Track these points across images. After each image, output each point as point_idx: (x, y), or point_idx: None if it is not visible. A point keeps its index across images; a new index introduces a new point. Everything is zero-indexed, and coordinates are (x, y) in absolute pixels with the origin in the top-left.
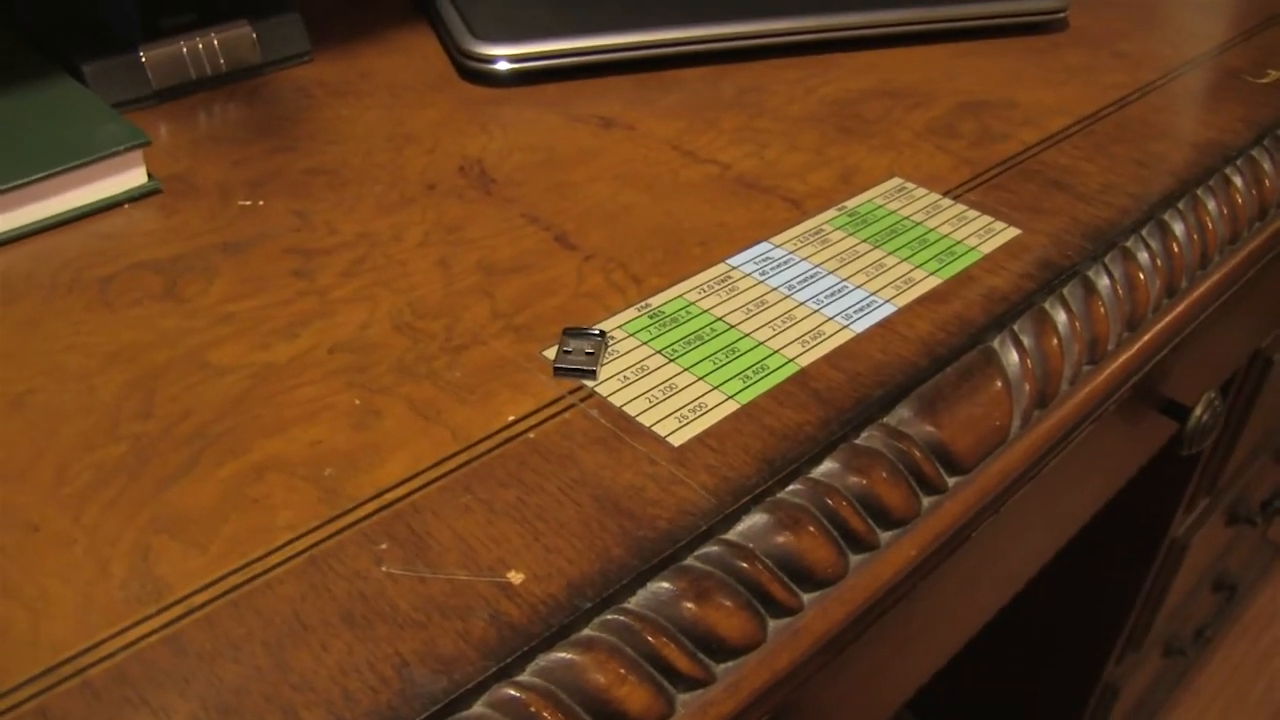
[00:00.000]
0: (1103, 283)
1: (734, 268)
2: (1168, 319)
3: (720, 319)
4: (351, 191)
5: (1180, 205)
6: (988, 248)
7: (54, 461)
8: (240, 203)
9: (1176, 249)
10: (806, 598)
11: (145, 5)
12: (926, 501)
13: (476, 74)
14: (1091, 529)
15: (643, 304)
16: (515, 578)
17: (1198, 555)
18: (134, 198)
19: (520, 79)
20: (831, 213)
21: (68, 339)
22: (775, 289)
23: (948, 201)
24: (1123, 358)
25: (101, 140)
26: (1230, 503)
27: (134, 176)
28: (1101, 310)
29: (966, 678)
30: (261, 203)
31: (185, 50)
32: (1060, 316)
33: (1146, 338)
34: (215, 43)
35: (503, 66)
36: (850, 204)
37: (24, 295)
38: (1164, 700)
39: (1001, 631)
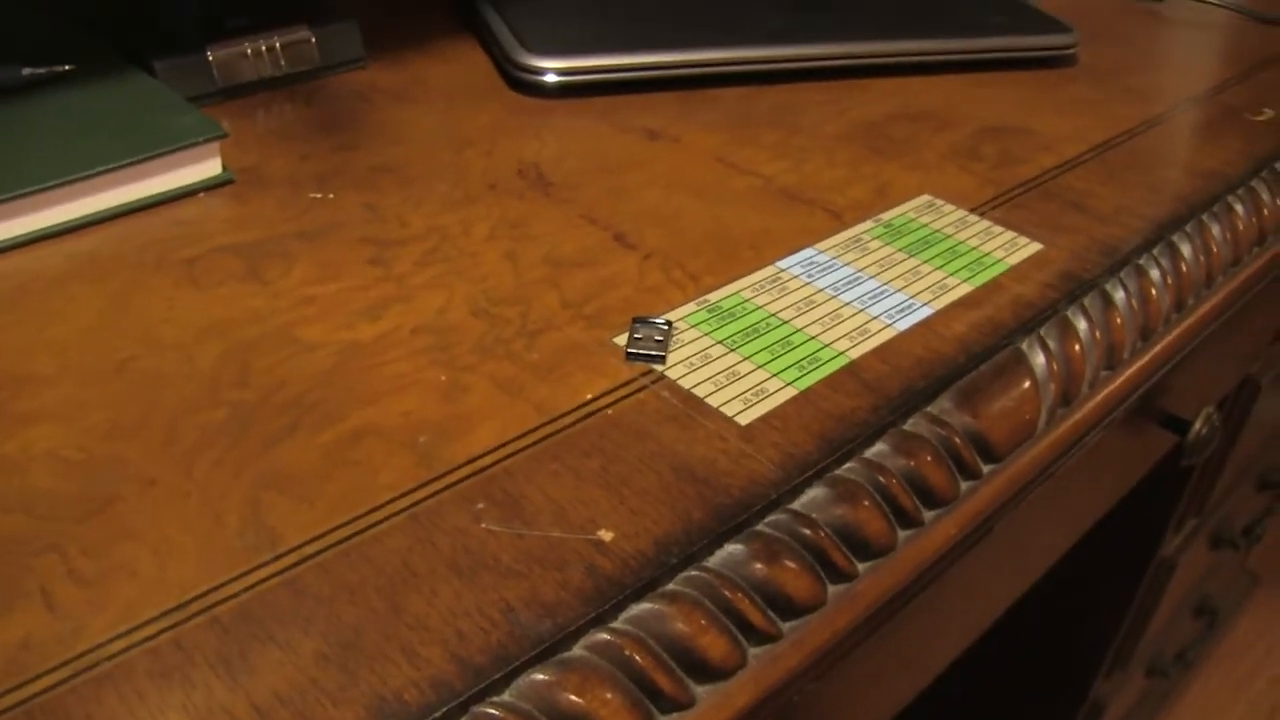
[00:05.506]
0: (1119, 295)
1: (783, 269)
2: (1176, 331)
3: (774, 315)
4: (417, 188)
5: (1188, 228)
6: (1014, 260)
7: (162, 422)
8: (311, 195)
9: (1184, 268)
10: (861, 566)
11: (210, 8)
12: (965, 485)
13: (525, 84)
14: (1084, 546)
15: (701, 299)
16: (606, 535)
17: (1183, 577)
18: (209, 187)
19: (566, 91)
20: (869, 224)
21: (161, 313)
22: (822, 290)
23: (974, 218)
24: (1136, 365)
25: (181, 131)
26: (1215, 526)
27: (210, 167)
28: (1118, 320)
29: (955, 694)
30: (332, 195)
31: (249, 51)
32: (1082, 324)
33: (1158, 348)
34: (277, 45)
35: (551, 79)
36: (885, 216)
37: (114, 272)
38: None
39: (992, 647)
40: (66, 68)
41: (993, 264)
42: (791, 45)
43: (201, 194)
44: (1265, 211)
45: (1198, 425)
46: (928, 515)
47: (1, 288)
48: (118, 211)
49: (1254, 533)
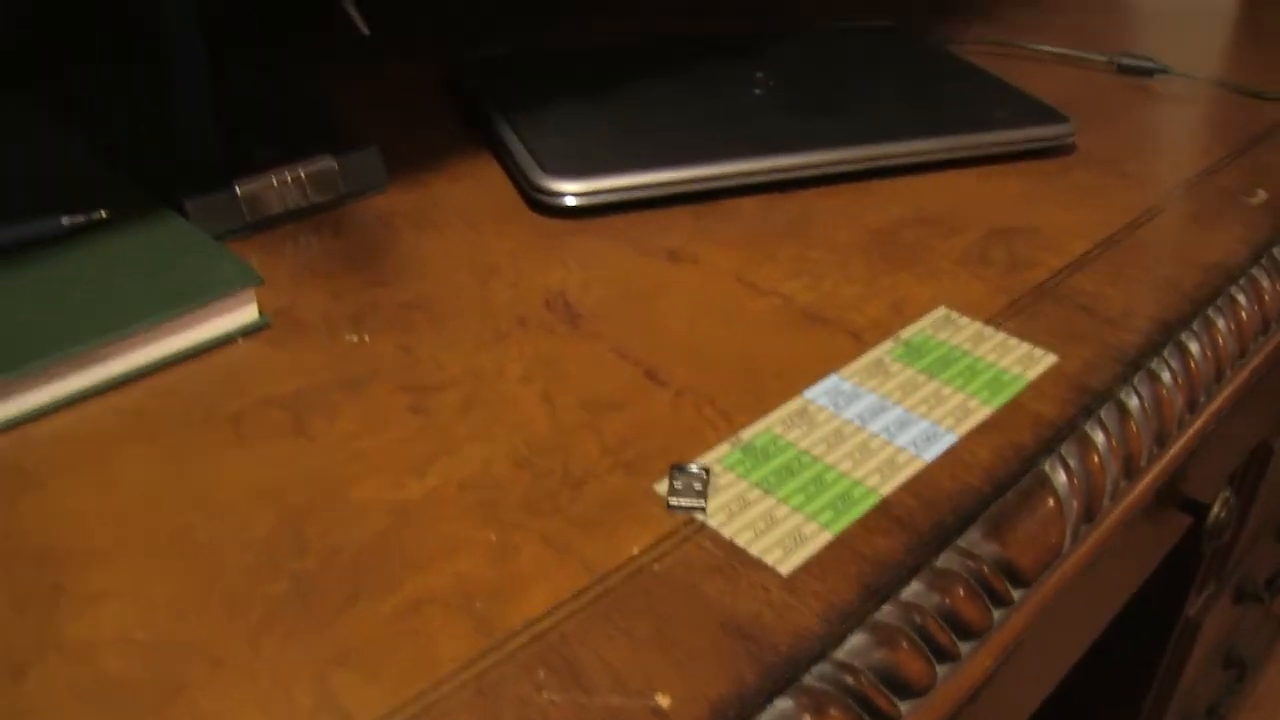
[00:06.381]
0: (1133, 403)
1: (810, 401)
2: (1189, 432)
3: (805, 451)
4: (449, 326)
5: (1194, 326)
6: (1031, 374)
7: (224, 596)
8: (347, 337)
9: (1194, 367)
10: (904, 706)
11: (237, 142)
12: (997, 614)
13: (544, 205)
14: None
15: (734, 438)
16: (664, 700)
17: (1209, 633)
18: (246, 333)
19: (586, 210)
20: (889, 344)
21: (213, 476)
22: (849, 420)
23: (990, 330)
24: (1154, 470)
25: (217, 280)
26: (1238, 582)
27: (247, 313)
28: (1134, 429)
29: None
30: (367, 338)
31: (275, 183)
32: (1099, 438)
33: (1173, 451)
34: (302, 175)
35: (570, 201)
36: (904, 334)
37: (163, 432)
38: None
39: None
40: (102, 214)
41: (1010, 381)
42: (802, 153)
43: (239, 340)
44: (1266, 299)
45: (1215, 509)
46: (964, 648)
47: (58, 450)
48: (160, 364)
49: (1277, 584)
